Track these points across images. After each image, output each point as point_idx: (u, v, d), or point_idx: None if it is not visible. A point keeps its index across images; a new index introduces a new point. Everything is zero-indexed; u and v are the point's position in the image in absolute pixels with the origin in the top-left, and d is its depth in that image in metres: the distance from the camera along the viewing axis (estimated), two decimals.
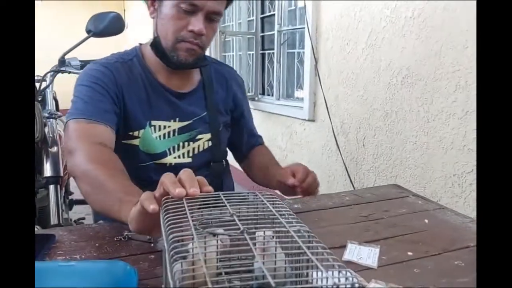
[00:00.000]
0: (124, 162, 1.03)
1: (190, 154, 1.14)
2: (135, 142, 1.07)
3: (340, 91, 2.46)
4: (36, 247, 0.73)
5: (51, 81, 1.81)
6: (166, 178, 0.65)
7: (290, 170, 1.10)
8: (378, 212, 0.98)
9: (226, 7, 1.08)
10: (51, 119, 1.78)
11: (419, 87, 1.94)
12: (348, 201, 1.05)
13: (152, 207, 0.63)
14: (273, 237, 0.57)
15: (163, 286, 0.62)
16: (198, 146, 1.15)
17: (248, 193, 0.67)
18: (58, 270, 0.59)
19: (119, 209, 0.76)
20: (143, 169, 1.09)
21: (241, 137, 1.30)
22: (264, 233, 0.55)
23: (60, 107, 2.17)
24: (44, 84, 1.80)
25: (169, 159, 1.11)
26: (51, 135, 1.71)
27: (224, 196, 0.63)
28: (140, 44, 1.15)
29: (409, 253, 0.78)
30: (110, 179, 0.83)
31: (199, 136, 1.15)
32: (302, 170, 1.08)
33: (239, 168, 1.39)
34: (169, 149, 1.11)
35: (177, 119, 1.11)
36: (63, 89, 2.38)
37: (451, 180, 1.79)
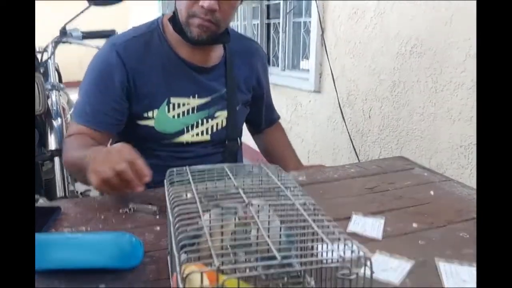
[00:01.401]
0: (140, 143, 1.06)
1: (209, 132, 1.13)
2: (150, 123, 1.06)
3: (347, 62, 2.42)
4: (42, 219, 0.74)
5: (53, 52, 1.79)
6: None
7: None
8: (383, 184, 0.97)
9: None
10: (54, 91, 1.76)
11: (428, 57, 1.90)
12: (353, 174, 1.04)
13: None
14: (269, 209, 0.56)
15: (168, 257, 0.63)
16: (217, 124, 1.13)
17: (253, 165, 0.66)
18: (64, 242, 0.60)
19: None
20: (160, 149, 1.09)
21: (261, 114, 1.30)
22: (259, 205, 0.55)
23: (63, 79, 2.15)
24: (45, 56, 1.78)
25: (186, 137, 1.10)
26: (54, 108, 1.70)
27: (229, 169, 0.62)
28: (163, 14, 1.11)
29: (414, 225, 0.78)
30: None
31: (217, 114, 1.13)
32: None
33: (251, 145, 1.40)
34: (186, 127, 1.09)
35: (197, 95, 1.09)
36: (66, 61, 2.36)
37: (457, 152, 1.78)
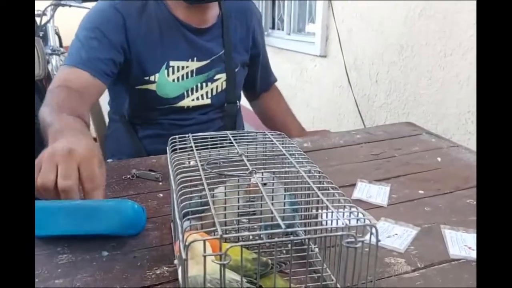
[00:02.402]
0: (141, 107, 1.04)
1: (209, 95, 1.11)
2: (152, 87, 1.04)
3: (354, 25, 2.35)
4: None
5: (52, 16, 1.74)
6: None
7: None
8: (390, 151, 0.96)
9: None
10: (54, 56, 1.73)
11: (438, 20, 1.84)
12: (359, 139, 1.03)
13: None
14: (273, 176, 0.55)
15: (171, 224, 0.62)
16: (216, 86, 1.11)
17: (257, 132, 0.65)
18: (67, 209, 0.59)
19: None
20: (161, 113, 1.07)
21: (256, 75, 1.26)
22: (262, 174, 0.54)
23: (64, 43, 2.11)
24: (45, 19, 1.74)
25: (187, 102, 1.08)
26: (55, 73, 1.68)
27: (232, 136, 0.61)
28: None
29: (420, 192, 0.77)
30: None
31: (216, 76, 1.10)
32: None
33: (249, 107, 1.37)
34: (186, 91, 1.07)
35: (195, 58, 1.06)
36: (66, 24, 2.30)
37: (464, 117, 1.75)
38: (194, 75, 1.07)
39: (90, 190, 0.59)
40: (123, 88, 1.07)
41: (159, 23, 1.02)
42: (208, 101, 1.10)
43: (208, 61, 1.08)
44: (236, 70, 1.14)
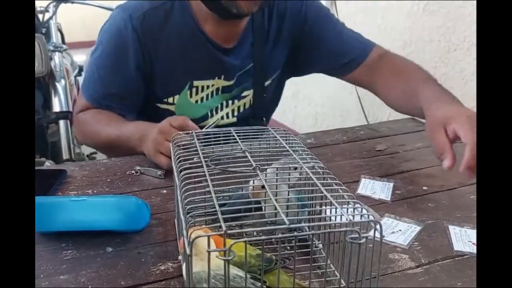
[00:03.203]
0: (156, 121, 0.96)
1: (235, 114, 1.02)
2: (171, 108, 0.97)
3: (357, 20, 2.34)
4: (48, 182, 0.74)
5: (54, 12, 1.74)
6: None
7: (451, 131, 0.69)
8: (393, 147, 0.95)
9: None
10: (56, 53, 1.73)
11: (442, 15, 1.83)
12: (363, 136, 1.02)
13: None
14: (277, 172, 0.55)
15: (175, 220, 0.62)
16: (244, 104, 1.02)
17: (260, 128, 0.65)
18: (70, 205, 0.60)
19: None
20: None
21: (330, 60, 1.04)
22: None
23: (66, 40, 2.11)
24: (47, 15, 1.73)
25: (210, 122, 0.98)
26: (57, 69, 1.67)
27: (236, 132, 0.61)
28: None
29: (424, 188, 0.77)
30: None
31: (244, 93, 1.01)
32: (470, 144, 0.66)
33: (278, 121, 1.27)
34: (210, 111, 0.99)
35: (222, 76, 0.97)
36: (69, 21, 2.31)
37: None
38: (219, 93, 0.99)
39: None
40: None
41: (182, 37, 0.92)
42: (234, 119, 1.02)
43: (235, 79, 0.99)
44: (266, 84, 1.03)
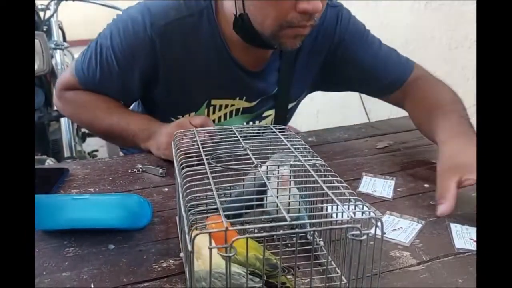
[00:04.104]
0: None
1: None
2: None
3: (359, 17, 2.34)
4: (50, 181, 0.74)
5: (55, 10, 1.74)
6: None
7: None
8: (395, 144, 0.95)
9: None
10: (58, 50, 1.73)
11: (443, 12, 1.83)
12: (364, 133, 1.02)
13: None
14: (278, 170, 0.55)
15: (177, 218, 0.63)
16: (265, 124, 0.97)
17: (261, 126, 0.65)
18: (73, 203, 0.60)
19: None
20: None
21: (363, 84, 1.00)
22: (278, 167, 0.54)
23: (68, 38, 2.11)
24: (48, 13, 1.73)
25: None
26: (59, 67, 1.68)
27: (237, 130, 0.61)
28: None
29: (426, 185, 0.77)
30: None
31: (266, 113, 0.97)
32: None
33: (294, 126, 1.24)
34: None
35: (244, 98, 0.92)
36: (70, 19, 2.31)
37: (470, 111, 1.74)
38: (239, 114, 0.94)
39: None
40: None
41: (208, 53, 0.85)
42: None
43: (258, 100, 0.94)
44: (289, 106, 0.99)
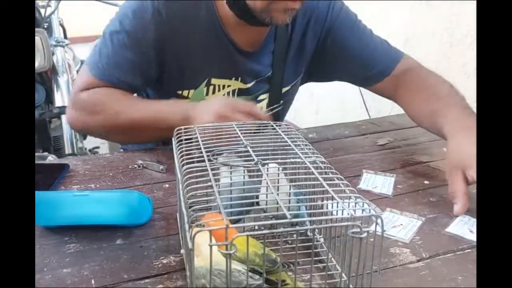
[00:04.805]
0: None
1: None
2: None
3: (359, 13, 2.33)
4: (51, 176, 0.74)
5: (56, 7, 1.74)
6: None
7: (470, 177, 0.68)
8: (395, 141, 0.95)
9: None
10: (58, 47, 1.73)
11: (444, 9, 1.82)
12: (364, 130, 1.02)
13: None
14: (279, 168, 0.55)
15: (177, 214, 0.63)
16: (261, 107, 0.97)
17: (262, 123, 0.65)
18: (74, 200, 0.60)
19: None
20: None
21: (353, 72, 1.01)
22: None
23: (68, 35, 2.11)
24: (49, 10, 1.73)
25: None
26: (59, 64, 1.68)
27: (238, 127, 0.61)
28: None
29: (426, 182, 0.78)
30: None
31: (261, 97, 0.99)
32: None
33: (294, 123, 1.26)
34: None
35: (240, 78, 0.94)
36: (70, 15, 2.30)
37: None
38: (235, 95, 0.96)
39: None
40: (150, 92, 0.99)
41: (206, 34, 0.88)
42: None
43: (253, 83, 0.96)
44: (284, 90, 1.01)
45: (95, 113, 0.87)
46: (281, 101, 1.02)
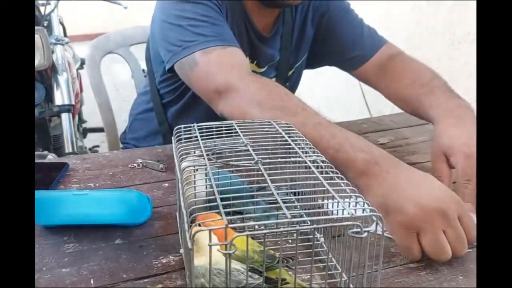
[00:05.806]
0: (196, 101, 0.90)
1: None
2: None
3: (360, 12, 2.33)
4: (51, 175, 0.74)
5: (56, 5, 1.73)
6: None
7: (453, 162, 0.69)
8: (396, 140, 0.95)
9: None
10: (58, 46, 1.72)
11: (446, 8, 1.82)
12: (366, 129, 1.02)
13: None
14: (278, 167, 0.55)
15: (177, 214, 0.62)
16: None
17: (262, 122, 0.64)
18: (73, 199, 0.60)
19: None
20: (200, 101, 0.87)
21: (338, 53, 1.04)
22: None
23: (68, 33, 2.10)
24: (49, 8, 1.73)
25: None
26: (59, 62, 1.67)
27: (238, 125, 0.61)
28: None
29: None
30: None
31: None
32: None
33: None
34: None
35: (255, 62, 0.98)
36: (70, 14, 2.30)
37: (472, 107, 1.74)
38: None
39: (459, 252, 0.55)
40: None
41: (233, 16, 0.91)
42: None
43: (266, 67, 1.01)
44: (289, 73, 1.05)
45: (286, 113, 0.71)
46: (287, 83, 1.05)
